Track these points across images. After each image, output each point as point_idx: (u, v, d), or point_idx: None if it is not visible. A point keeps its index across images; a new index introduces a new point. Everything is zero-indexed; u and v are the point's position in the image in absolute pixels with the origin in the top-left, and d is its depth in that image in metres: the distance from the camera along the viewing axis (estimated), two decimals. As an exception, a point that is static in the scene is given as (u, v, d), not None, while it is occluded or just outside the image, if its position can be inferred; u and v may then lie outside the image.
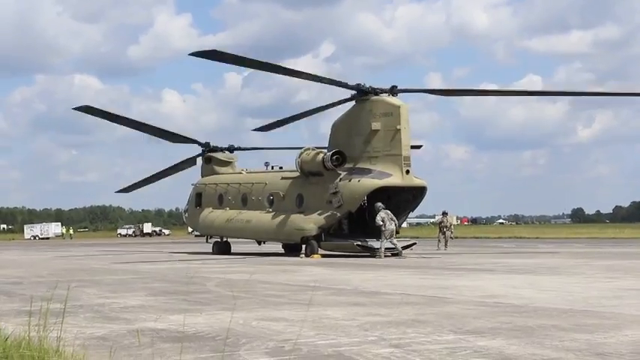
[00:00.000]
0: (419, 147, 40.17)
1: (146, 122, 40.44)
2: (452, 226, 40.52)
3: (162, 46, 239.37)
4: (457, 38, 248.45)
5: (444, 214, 40.75)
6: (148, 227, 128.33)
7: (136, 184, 45.45)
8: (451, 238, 39.24)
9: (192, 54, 30.12)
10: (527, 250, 37.12)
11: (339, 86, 32.61)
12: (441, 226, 39.94)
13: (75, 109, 37.89)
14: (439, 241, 38.96)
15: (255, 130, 40.64)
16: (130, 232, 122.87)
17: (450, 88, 44.83)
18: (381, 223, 29.36)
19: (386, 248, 29.72)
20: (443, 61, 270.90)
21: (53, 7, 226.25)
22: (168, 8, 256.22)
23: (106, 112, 39.39)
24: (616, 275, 18.85)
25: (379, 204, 30.00)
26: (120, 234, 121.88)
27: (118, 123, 41.62)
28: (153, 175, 44.09)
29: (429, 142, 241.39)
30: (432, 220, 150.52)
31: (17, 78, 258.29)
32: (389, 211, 29.71)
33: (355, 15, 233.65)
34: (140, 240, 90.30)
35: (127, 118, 40.43)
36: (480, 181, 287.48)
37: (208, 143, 40.59)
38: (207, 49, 30.48)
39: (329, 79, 33.16)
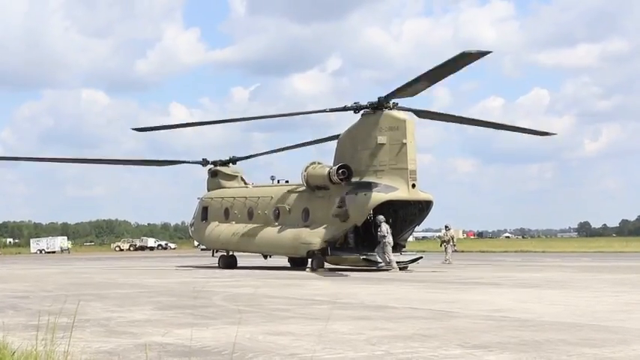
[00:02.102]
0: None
1: (127, 158, 40.87)
2: (452, 239, 40.45)
3: (170, 61, 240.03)
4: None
5: (446, 227, 40.89)
6: (150, 241, 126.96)
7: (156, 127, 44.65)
8: (454, 251, 39.32)
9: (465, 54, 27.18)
10: (533, 264, 37.01)
11: (344, 110, 32.77)
12: (442, 240, 40.11)
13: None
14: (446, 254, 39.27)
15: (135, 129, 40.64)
16: (126, 246, 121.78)
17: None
18: (387, 234, 29.52)
19: (370, 260, 30.15)
20: (450, 75, 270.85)
21: (61, 22, 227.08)
22: (176, 23, 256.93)
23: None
24: (623, 289, 18.79)
25: (381, 217, 30.25)
26: (118, 247, 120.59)
27: (116, 164, 42.17)
28: (174, 124, 43.70)
29: (436, 156, 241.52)
30: (438, 234, 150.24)
31: (25, 92, 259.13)
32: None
33: (363, 29, 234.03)
34: (145, 254, 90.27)
35: (128, 160, 40.78)
36: (486, 194, 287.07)
37: (206, 160, 40.83)
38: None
39: (331, 109, 33.47)
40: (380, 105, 31.58)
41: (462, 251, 69.39)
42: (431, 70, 28.15)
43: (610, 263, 37.38)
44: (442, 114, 36.48)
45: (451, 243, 39.93)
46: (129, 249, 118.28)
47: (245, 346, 8.95)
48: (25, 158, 42.24)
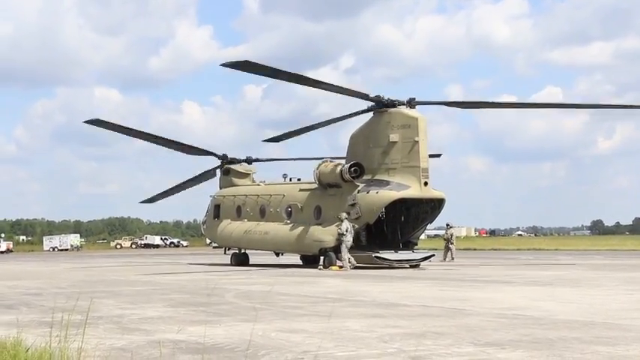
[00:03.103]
0: (438, 156, 40.19)
1: (161, 136, 40.66)
2: (452, 237, 40.32)
3: (183, 58, 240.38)
4: (477, 50, 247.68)
5: (447, 226, 40.70)
6: (156, 239, 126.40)
7: (159, 194, 45.74)
8: (451, 249, 39.30)
9: (225, 64, 29.96)
10: (546, 262, 36.92)
11: (360, 97, 32.62)
12: (445, 239, 40.10)
13: (86, 122, 38.28)
14: (450, 252, 39.15)
15: (267, 140, 40.68)
16: (127, 244, 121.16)
17: (469, 99, 44.48)
18: (345, 232, 29.47)
19: (382, 258, 30.15)
20: (463, 72, 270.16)
21: (75, 20, 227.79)
22: (189, 20, 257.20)
23: (117, 125, 39.55)
24: (637, 287, 18.73)
25: (343, 214, 30.35)
26: (119, 245, 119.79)
27: (131, 136, 41.83)
28: (174, 187, 44.40)
29: (448, 154, 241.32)
30: (441, 232, 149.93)
31: (38, 90, 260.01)
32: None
33: (376, 27, 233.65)
34: (158, 252, 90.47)
35: (142, 131, 40.59)
36: (499, 192, 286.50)
37: (226, 155, 40.78)
38: (239, 59, 30.32)
39: (351, 90, 33.19)
40: (393, 103, 31.61)
41: (475, 249, 69.29)
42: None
43: (623, 261, 37.25)
44: (476, 102, 36.76)
45: (450, 241, 39.83)
46: (130, 247, 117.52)
47: (258, 344, 8.96)
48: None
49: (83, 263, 45.85)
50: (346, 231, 29.71)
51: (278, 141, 40.08)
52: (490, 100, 36.52)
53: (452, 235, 40.55)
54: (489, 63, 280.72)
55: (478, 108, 38.82)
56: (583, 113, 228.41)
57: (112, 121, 39.05)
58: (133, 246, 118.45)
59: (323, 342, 8.93)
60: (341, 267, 30.14)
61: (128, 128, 40.63)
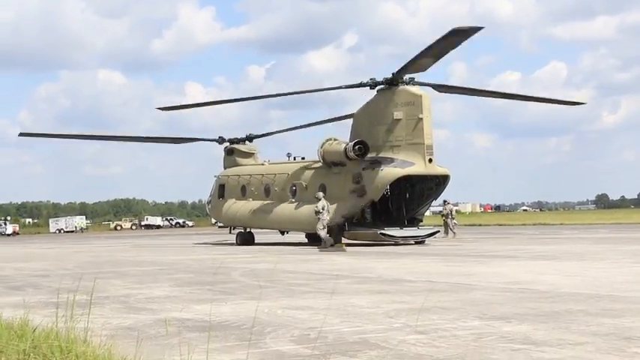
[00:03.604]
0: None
1: (152, 135, 41.12)
2: (452, 213, 40.11)
3: (185, 40, 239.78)
4: (481, 26, 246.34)
5: (445, 202, 40.15)
6: (157, 220, 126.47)
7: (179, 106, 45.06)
8: (455, 224, 39.04)
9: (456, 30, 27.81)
10: (551, 237, 36.93)
11: (360, 87, 32.68)
12: (442, 215, 39.83)
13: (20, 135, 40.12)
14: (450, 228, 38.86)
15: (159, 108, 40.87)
16: (127, 225, 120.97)
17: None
18: (322, 210, 29.47)
19: (387, 234, 30.13)
20: (467, 49, 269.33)
21: (77, 3, 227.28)
22: (192, 2, 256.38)
23: (52, 134, 40.54)
24: (642, 260, 18.71)
25: (320, 193, 30.45)
26: (118, 226, 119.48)
27: (122, 141, 42.37)
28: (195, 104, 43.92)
29: (453, 130, 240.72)
30: (455, 208, 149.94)
31: (42, 74, 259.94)
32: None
33: (379, 5, 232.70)
34: (163, 232, 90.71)
35: (145, 137, 40.86)
36: (504, 168, 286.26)
37: (222, 137, 40.82)
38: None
39: (347, 85, 33.32)
40: (396, 80, 31.48)
41: (480, 225, 69.34)
42: (430, 48, 28.41)
43: (628, 234, 37.24)
44: (463, 87, 36.41)
45: (450, 217, 39.61)
46: (131, 228, 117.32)
47: (264, 321, 8.99)
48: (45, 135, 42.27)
49: (89, 244, 45.99)
50: (322, 209, 29.77)
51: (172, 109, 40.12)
52: (481, 88, 35.91)
53: (451, 210, 40.28)
54: (493, 39, 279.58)
55: (472, 95, 38.34)
56: (587, 88, 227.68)
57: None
58: (134, 227, 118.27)
59: (329, 318, 8.96)
60: (347, 244, 30.19)
61: (78, 134, 41.57)
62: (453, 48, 29.31)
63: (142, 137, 42.07)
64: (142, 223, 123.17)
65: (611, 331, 7.76)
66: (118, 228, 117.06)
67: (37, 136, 40.47)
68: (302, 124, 41.86)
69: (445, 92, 34.85)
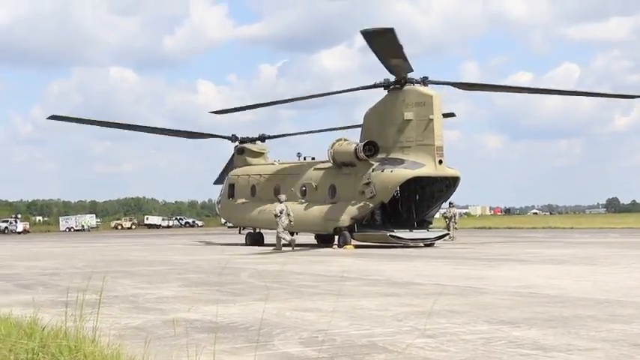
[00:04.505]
0: (451, 115, 39.21)
1: (167, 128, 41.28)
2: (454, 217, 39.97)
3: (198, 37, 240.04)
4: (493, 26, 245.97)
5: (450, 204, 39.83)
6: (157, 219, 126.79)
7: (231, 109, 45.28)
8: (455, 229, 38.76)
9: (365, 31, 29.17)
10: (561, 241, 36.82)
11: (374, 88, 32.65)
12: (445, 217, 39.62)
13: (49, 118, 39.51)
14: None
15: (214, 112, 41.11)
16: (128, 224, 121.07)
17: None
18: (280, 214, 29.84)
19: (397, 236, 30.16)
20: (479, 49, 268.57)
21: (90, 0, 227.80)
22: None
23: (83, 119, 40.50)
24: (652, 265, 18.64)
25: (282, 196, 31.46)
26: (119, 226, 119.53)
27: (137, 130, 42.35)
28: (221, 173, 44.13)
29: (463, 132, 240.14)
30: (465, 210, 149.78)
31: (54, 70, 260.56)
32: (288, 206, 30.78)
33: (391, 4, 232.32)
34: (172, 231, 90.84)
35: (155, 127, 40.94)
36: (514, 170, 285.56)
37: (235, 135, 40.82)
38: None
39: (361, 87, 33.35)
40: (408, 80, 31.47)
41: (490, 228, 69.19)
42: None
43: (639, 239, 37.09)
44: (484, 84, 36.36)
45: (453, 220, 39.46)
46: (130, 227, 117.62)
47: (272, 322, 8.98)
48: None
49: (99, 243, 46.09)
50: (281, 212, 30.03)
51: (225, 112, 40.28)
52: (501, 84, 35.94)
53: (454, 214, 40.07)
54: (505, 40, 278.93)
55: (487, 90, 38.34)
56: (600, 90, 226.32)
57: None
58: (133, 226, 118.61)
59: (337, 320, 8.95)
60: (356, 246, 30.19)
61: (106, 122, 41.50)
62: (372, 50, 30.09)
63: (159, 129, 42.01)
64: (144, 223, 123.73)
65: (621, 337, 7.72)
66: (119, 227, 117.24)
67: (67, 120, 40.33)
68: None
69: (467, 89, 34.89)
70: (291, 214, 30.39)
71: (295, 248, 29.99)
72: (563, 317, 9.18)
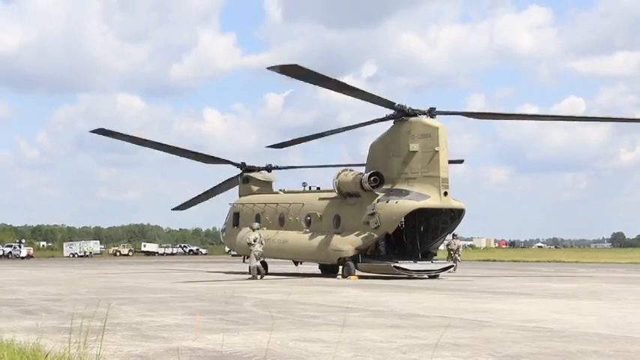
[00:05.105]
0: (460, 162, 39.87)
1: (179, 146, 40.85)
2: (459, 249, 39.81)
3: (205, 66, 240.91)
4: (500, 59, 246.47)
5: (453, 236, 39.64)
6: (153, 247, 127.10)
7: (190, 201, 45.84)
8: (458, 261, 38.55)
9: (270, 68, 29.85)
10: (566, 275, 36.67)
11: (385, 105, 32.43)
12: (448, 249, 39.48)
13: (92, 131, 39.16)
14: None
15: (271, 146, 40.72)
16: (125, 251, 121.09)
17: (491, 110, 44.27)
18: (253, 242, 30.02)
19: (401, 268, 30.21)
20: (485, 82, 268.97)
21: (98, 26, 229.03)
22: (212, 28, 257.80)
23: (126, 135, 40.31)
24: (658, 301, 18.54)
25: (255, 224, 31.82)
26: (117, 252, 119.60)
27: (146, 146, 42.20)
28: (202, 194, 44.44)
29: (469, 164, 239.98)
30: (469, 242, 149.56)
31: (61, 96, 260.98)
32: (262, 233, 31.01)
33: (399, 35, 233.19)
34: (176, 259, 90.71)
35: (158, 142, 40.84)
36: (519, 203, 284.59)
37: (244, 163, 40.87)
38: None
39: (379, 97, 33.04)
40: (414, 112, 31.51)
41: (495, 260, 68.98)
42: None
43: (644, 274, 36.92)
44: (496, 113, 36.54)
45: (458, 252, 39.31)
46: (128, 254, 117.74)
47: (276, 352, 8.94)
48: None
49: (102, 269, 46.01)
50: (254, 241, 30.13)
51: (282, 147, 40.07)
52: (509, 112, 36.20)
53: (459, 247, 39.91)
54: (512, 72, 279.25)
55: (497, 119, 38.70)
56: (605, 124, 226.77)
57: (137, 129, 39.57)
58: (130, 253, 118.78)
59: (341, 352, 8.90)
60: (360, 277, 30.08)
61: (139, 138, 41.15)
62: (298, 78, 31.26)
63: (174, 147, 41.76)
64: (142, 250, 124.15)
65: (627, 373, 7.68)
66: (117, 254, 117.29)
67: (111, 136, 40.07)
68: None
69: (478, 118, 35.05)
70: (264, 242, 30.65)
71: (264, 277, 30.27)
72: (567, 352, 9.12)
